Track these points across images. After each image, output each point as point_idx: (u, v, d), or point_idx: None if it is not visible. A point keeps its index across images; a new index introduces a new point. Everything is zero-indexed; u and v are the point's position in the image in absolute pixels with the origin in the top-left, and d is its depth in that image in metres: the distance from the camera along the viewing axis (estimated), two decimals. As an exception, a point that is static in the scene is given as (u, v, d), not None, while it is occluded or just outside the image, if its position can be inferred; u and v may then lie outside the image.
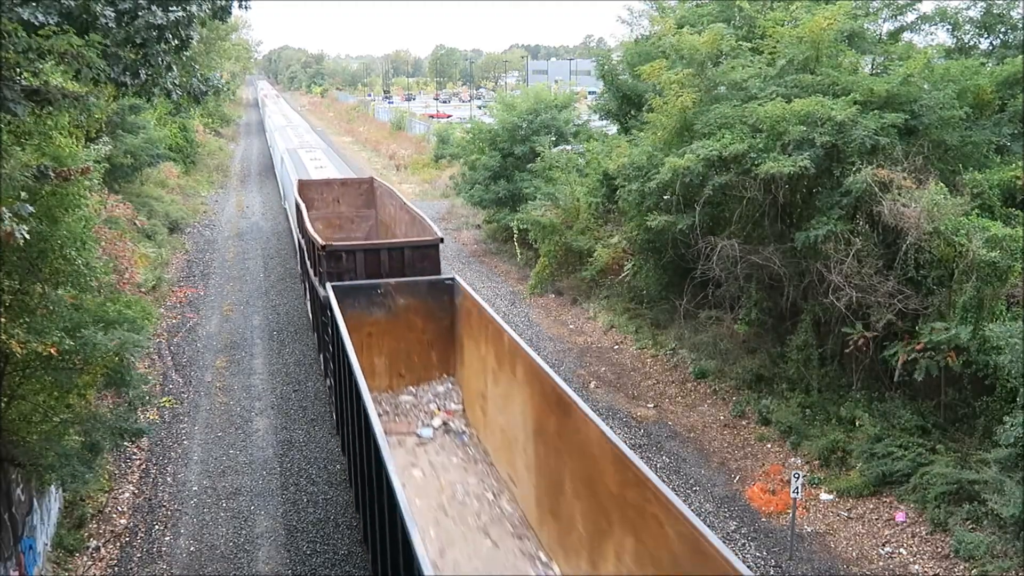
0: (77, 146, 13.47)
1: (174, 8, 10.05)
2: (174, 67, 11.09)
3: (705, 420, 18.60)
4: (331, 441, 17.46)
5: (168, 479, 16.32)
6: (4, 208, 8.19)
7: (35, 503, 12.81)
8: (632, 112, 25.29)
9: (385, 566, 9.33)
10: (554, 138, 33.20)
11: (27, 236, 8.38)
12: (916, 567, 13.27)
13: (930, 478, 14.19)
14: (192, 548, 14.05)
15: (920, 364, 14.72)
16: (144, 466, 16.82)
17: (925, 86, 16.97)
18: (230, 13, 12.29)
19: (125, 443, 16.11)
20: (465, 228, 38.99)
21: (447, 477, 13.08)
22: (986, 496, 12.80)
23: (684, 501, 15.35)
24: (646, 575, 8.38)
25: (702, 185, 17.75)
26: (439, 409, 15.26)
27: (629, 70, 24.97)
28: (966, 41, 20.90)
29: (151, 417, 18.52)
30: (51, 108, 9.38)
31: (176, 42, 10.21)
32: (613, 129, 28.65)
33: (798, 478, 13.67)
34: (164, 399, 19.81)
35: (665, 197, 19.40)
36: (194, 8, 10.16)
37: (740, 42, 19.92)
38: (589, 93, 65.57)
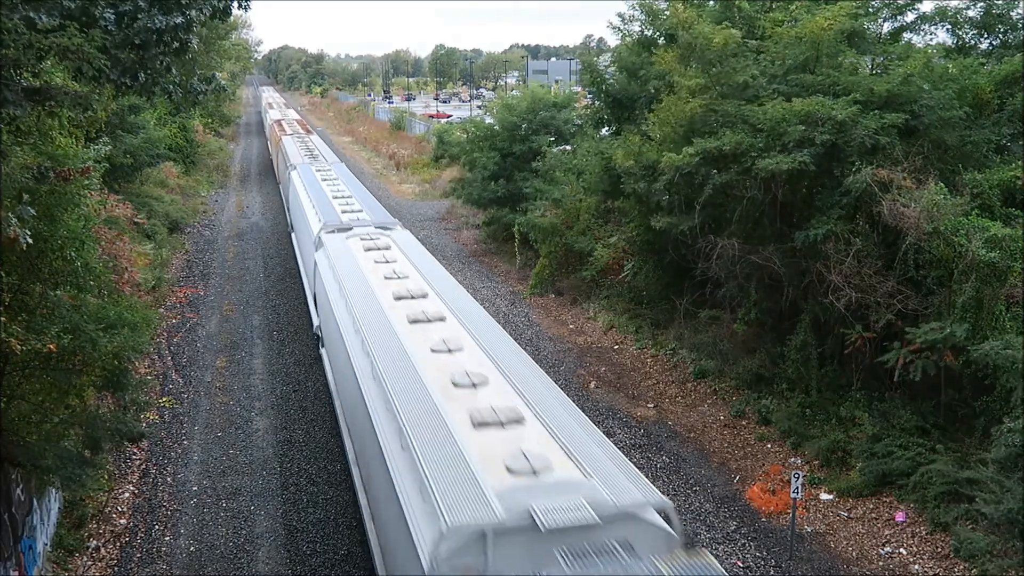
0: (77, 146, 13.49)
1: (174, 13, 10.06)
2: (173, 68, 11.10)
3: (705, 420, 18.60)
4: (331, 441, 17.47)
5: (168, 479, 16.32)
6: (9, 213, 8.20)
7: (35, 503, 12.81)
8: (626, 115, 25.28)
9: None
10: (553, 138, 33.21)
11: (30, 240, 8.39)
12: (916, 567, 13.27)
13: (930, 478, 14.20)
14: (192, 548, 14.05)
15: (916, 365, 14.73)
16: (144, 466, 16.82)
17: (925, 86, 16.97)
18: (230, 13, 12.27)
19: (125, 443, 16.13)
20: (465, 228, 39.01)
21: None
22: (980, 495, 12.77)
23: (684, 502, 15.44)
24: None
25: (702, 184, 17.75)
26: None
27: (622, 73, 24.97)
28: (966, 41, 20.90)
29: (151, 417, 18.52)
30: (52, 104, 9.39)
31: (176, 45, 10.22)
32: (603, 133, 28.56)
33: (798, 478, 13.66)
34: (164, 399, 19.81)
35: (665, 198, 19.42)
36: (194, 13, 10.16)
37: (745, 39, 19.88)
38: (589, 93, 65.44)
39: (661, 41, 23.92)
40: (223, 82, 13.61)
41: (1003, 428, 12.37)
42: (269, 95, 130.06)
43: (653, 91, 22.62)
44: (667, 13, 23.35)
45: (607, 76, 26.08)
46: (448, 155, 38.68)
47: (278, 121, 63.54)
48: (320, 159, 37.22)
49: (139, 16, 9.76)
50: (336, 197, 24.93)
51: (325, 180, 28.83)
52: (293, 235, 30.87)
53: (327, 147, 45.54)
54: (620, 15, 25.43)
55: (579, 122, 33.80)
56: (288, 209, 35.37)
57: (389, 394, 9.42)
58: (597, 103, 27.08)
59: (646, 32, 25.03)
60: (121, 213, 25.33)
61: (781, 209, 18.03)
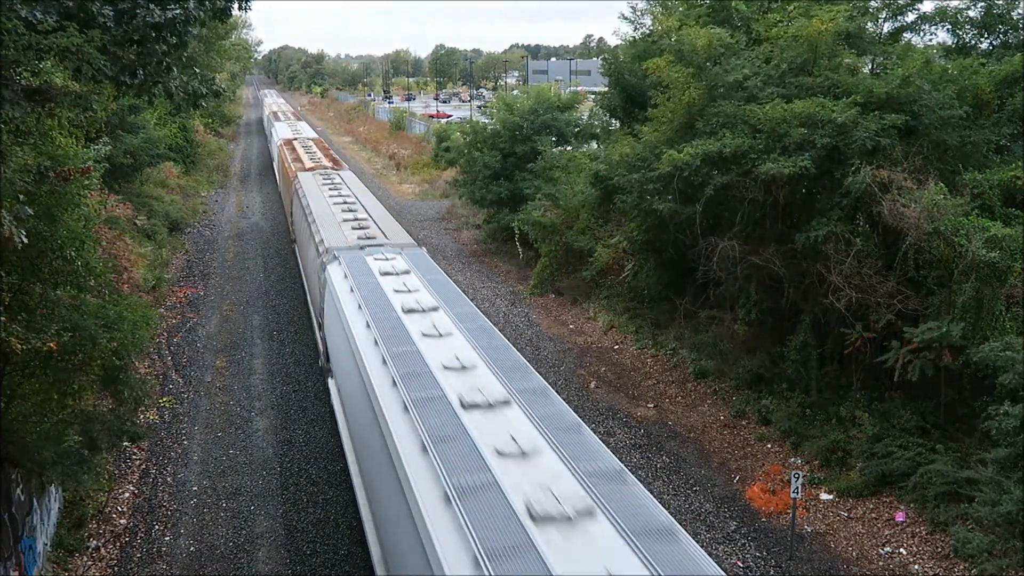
0: (77, 146, 13.49)
1: (172, 6, 10.08)
2: (174, 68, 11.11)
3: (705, 420, 18.60)
4: (331, 441, 17.46)
5: (168, 479, 16.31)
6: (4, 211, 8.20)
7: (35, 503, 12.81)
8: (636, 110, 25.31)
9: None
10: (555, 139, 33.23)
11: (25, 240, 8.39)
12: (916, 567, 13.27)
13: (929, 478, 14.20)
14: (192, 548, 14.05)
15: (915, 365, 14.73)
16: (144, 466, 16.82)
17: (925, 87, 16.98)
18: (230, 14, 12.27)
19: (124, 443, 16.12)
20: (465, 228, 39.03)
21: None
22: (980, 495, 12.78)
23: (684, 502, 15.43)
24: None
25: (703, 184, 17.76)
26: None
27: (633, 67, 24.99)
28: (966, 41, 20.90)
29: (151, 417, 18.52)
30: (52, 105, 9.39)
31: (174, 40, 10.24)
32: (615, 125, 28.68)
33: (798, 478, 13.66)
34: (164, 399, 19.81)
35: (669, 198, 19.38)
36: (191, 5, 10.18)
37: (737, 36, 19.92)
38: (590, 94, 65.55)
39: (670, 39, 23.98)
40: (222, 85, 13.56)
41: (1000, 410, 12.35)
42: (273, 100, 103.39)
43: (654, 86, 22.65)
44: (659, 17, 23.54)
45: (624, 69, 25.97)
46: (445, 159, 38.65)
47: (288, 142, 43.34)
48: (376, 235, 19.32)
49: (137, 12, 9.79)
50: (451, 368, 10.60)
51: (412, 314, 12.80)
52: (338, 406, 15.26)
53: (376, 201, 25.83)
54: (633, 8, 25.56)
55: (586, 117, 33.89)
56: (321, 326, 18.34)
57: None
58: (612, 91, 27.04)
59: (656, 27, 25.05)
60: (121, 213, 25.38)
61: (782, 210, 18.03)
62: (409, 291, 14.00)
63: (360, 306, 13.41)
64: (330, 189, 26.49)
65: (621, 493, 7.72)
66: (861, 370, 16.75)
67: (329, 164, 34.13)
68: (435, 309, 12.98)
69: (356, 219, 21.17)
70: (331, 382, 16.48)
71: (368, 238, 18.83)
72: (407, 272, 15.50)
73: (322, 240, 19.03)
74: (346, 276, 15.51)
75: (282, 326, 25.15)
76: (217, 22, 13.06)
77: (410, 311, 12.82)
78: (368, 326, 12.37)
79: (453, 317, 12.54)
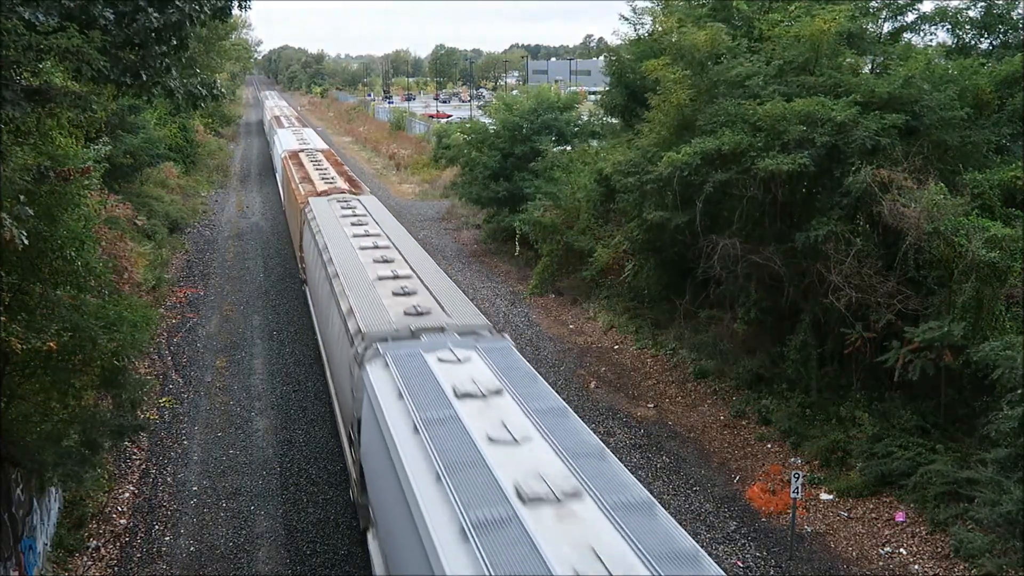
0: (77, 146, 13.51)
1: (171, 10, 10.12)
2: (173, 69, 11.14)
3: (705, 420, 18.61)
4: (331, 441, 17.47)
5: (168, 479, 16.32)
6: (4, 212, 8.21)
7: (35, 503, 12.82)
8: (637, 109, 25.34)
9: None
10: (555, 138, 33.24)
11: (26, 241, 8.40)
12: (916, 567, 13.27)
13: (929, 478, 14.21)
14: (192, 548, 14.06)
15: (915, 364, 14.73)
16: (144, 466, 16.82)
17: (926, 87, 16.98)
18: (230, 14, 12.30)
19: (125, 443, 16.13)
20: (465, 228, 39.04)
21: None
22: (979, 495, 12.78)
23: (684, 502, 15.44)
24: None
25: (702, 183, 17.76)
26: None
27: (635, 66, 25.02)
28: (966, 41, 20.91)
29: (151, 417, 18.53)
30: (52, 105, 9.41)
31: (174, 42, 10.28)
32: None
33: (798, 478, 13.67)
34: (164, 399, 19.81)
35: (667, 200, 19.39)
36: (189, 8, 10.22)
37: (740, 38, 19.95)
38: (589, 94, 65.59)
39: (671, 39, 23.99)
40: (222, 88, 13.54)
41: (1000, 415, 12.36)
42: (274, 103, 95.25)
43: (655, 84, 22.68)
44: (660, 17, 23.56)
45: (628, 68, 25.90)
46: (445, 158, 38.62)
47: (294, 155, 38.27)
48: (431, 308, 13.41)
49: (138, 16, 9.83)
50: None
51: (539, 506, 7.33)
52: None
53: (415, 243, 19.39)
54: (633, 8, 25.55)
55: (588, 115, 33.85)
56: (353, 443, 12.80)
57: None
58: (614, 90, 26.99)
59: (657, 27, 25.05)
60: (121, 213, 25.39)
61: (781, 209, 18.03)
62: (516, 441, 8.63)
63: (439, 476, 8.00)
64: (352, 224, 20.61)
65: None
66: (861, 370, 16.76)
67: (346, 186, 28.08)
68: (577, 496, 7.52)
69: (396, 276, 15.32)
70: (371, 540, 11.40)
71: (420, 313, 13.02)
72: (498, 392, 9.91)
73: (351, 311, 13.50)
74: (400, 395, 10.00)
75: (282, 326, 25.15)
76: (217, 22, 13.11)
77: (535, 500, 7.43)
78: (465, 536, 7.03)
79: (618, 524, 7.05)
